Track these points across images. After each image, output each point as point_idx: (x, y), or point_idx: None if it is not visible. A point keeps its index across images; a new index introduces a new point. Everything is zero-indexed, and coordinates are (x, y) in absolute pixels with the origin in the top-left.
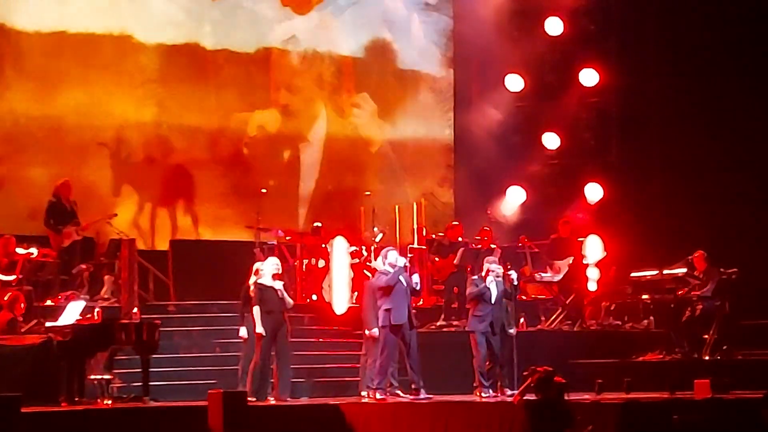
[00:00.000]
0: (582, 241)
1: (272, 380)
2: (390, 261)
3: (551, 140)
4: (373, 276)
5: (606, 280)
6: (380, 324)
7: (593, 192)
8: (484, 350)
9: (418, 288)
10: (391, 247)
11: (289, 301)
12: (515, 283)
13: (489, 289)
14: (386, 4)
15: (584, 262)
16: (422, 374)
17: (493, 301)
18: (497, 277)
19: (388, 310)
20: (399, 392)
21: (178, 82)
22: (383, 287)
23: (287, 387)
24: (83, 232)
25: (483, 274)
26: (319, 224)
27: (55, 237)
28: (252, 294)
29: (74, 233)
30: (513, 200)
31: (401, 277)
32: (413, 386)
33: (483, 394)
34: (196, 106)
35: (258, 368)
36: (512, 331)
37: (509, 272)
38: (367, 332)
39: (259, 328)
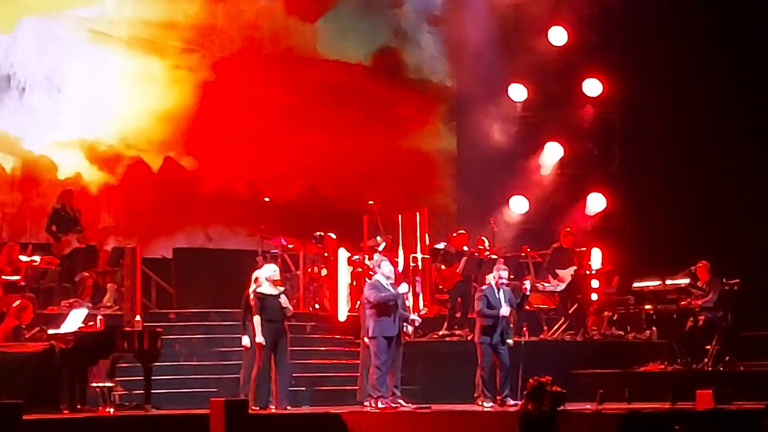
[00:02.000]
0: (584, 251)
1: (272, 389)
2: (384, 271)
3: (554, 150)
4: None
5: (605, 290)
6: (370, 334)
7: (594, 203)
8: (490, 361)
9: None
10: (384, 258)
11: (290, 307)
12: (527, 293)
13: (499, 300)
14: (394, 14)
15: (588, 272)
16: (424, 383)
17: (501, 313)
18: (506, 285)
19: (379, 321)
20: (401, 402)
21: None
22: (375, 304)
23: (286, 396)
24: (86, 240)
25: (494, 282)
26: (322, 233)
27: (56, 244)
28: (252, 303)
29: (74, 241)
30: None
31: (392, 290)
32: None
33: (485, 404)
34: None
35: (259, 377)
36: (509, 341)
37: (524, 284)
38: (366, 339)
39: (260, 338)
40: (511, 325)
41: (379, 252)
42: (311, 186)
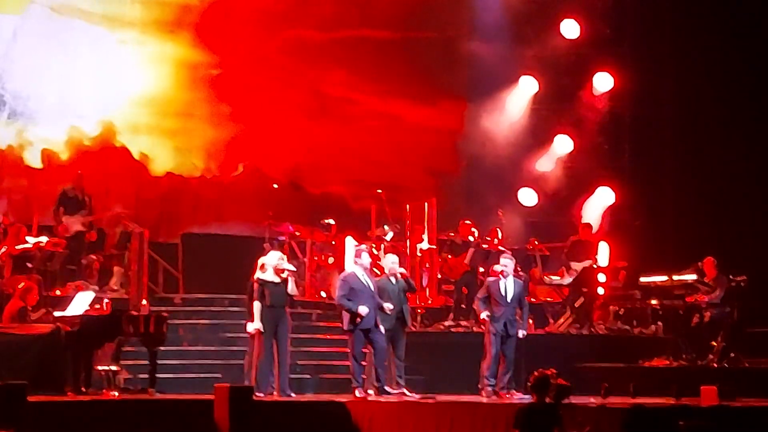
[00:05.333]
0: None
1: (274, 375)
2: (363, 262)
3: (564, 143)
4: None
5: (612, 284)
6: (345, 327)
7: (603, 197)
8: (495, 351)
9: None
10: (364, 248)
11: (296, 292)
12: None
13: (500, 289)
14: None
15: (594, 266)
16: (429, 373)
17: (507, 302)
18: (514, 275)
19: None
20: (405, 391)
21: None
22: (352, 314)
23: (287, 383)
24: (94, 224)
25: (500, 272)
26: (330, 221)
27: (57, 227)
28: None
29: (76, 224)
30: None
31: (368, 281)
32: (377, 383)
33: (485, 394)
34: None
35: (261, 363)
36: (522, 333)
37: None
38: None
39: (258, 324)
40: (519, 319)
41: (387, 241)
42: (324, 173)
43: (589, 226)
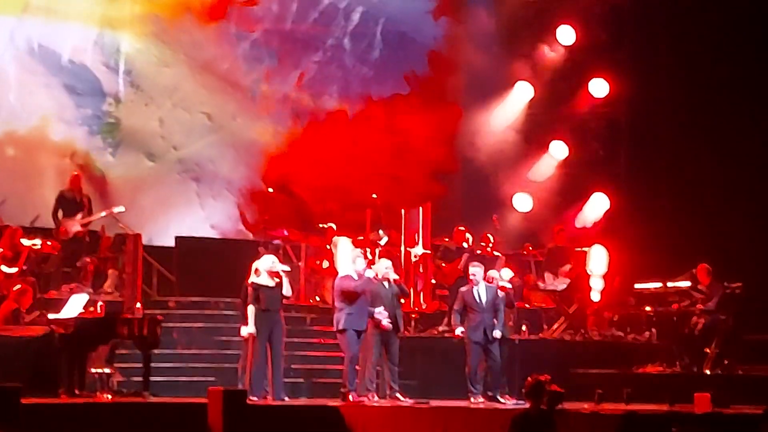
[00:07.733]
0: (582, 251)
1: (268, 379)
2: (357, 267)
3: (559, 149)
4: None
5: (609, 291)
6: (340, 327)
7: (596, 205)
8: (475, 358)
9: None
10: (360, 254)
11: (290, 293)
12: (506, 292)
13: (475, 297)
14: (396, 4)
15: (588, 272)
16: (423, 378)
17: (483, 308)
18: (488, 282)
19: (350, 314)
20: (399, 396)
21: None
22: (347, 292)
23: (281, 386)
24: (87, 226)
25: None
26: (325, 225)
27: (56, 231)
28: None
29: (75, 225)
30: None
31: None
32: (368, 388)
33: (472, 400)
34: None
35: (255, 367)
36: (496, 334)
37: (501, 282)
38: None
39: (252, 328)
40: (510, 323)
41: (381, 246)
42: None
43: (562, 230)
